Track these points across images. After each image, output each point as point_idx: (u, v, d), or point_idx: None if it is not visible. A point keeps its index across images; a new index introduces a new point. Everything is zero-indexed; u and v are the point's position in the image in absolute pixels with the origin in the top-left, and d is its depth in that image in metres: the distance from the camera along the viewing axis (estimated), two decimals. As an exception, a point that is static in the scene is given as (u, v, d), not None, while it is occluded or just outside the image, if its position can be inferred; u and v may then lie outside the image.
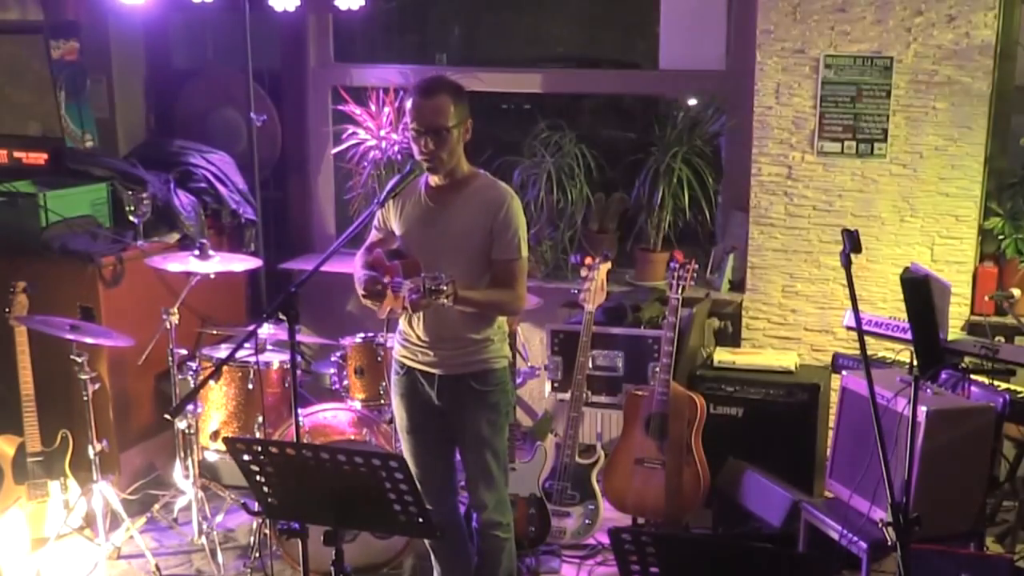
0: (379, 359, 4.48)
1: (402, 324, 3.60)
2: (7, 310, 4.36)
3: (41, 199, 4.73)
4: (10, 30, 5.26)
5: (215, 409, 4.50)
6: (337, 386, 4.59)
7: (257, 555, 4.27)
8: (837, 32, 4.74)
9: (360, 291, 3.49)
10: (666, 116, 5.25)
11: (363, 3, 5.21)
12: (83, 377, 4.32)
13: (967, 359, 3.84)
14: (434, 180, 3.50)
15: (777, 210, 4.96)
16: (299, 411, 3.12)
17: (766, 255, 5.02)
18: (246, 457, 2.78)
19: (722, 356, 4.65)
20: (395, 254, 3.59)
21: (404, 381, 3.62)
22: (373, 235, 3.69)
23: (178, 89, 5.90)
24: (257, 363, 4.36)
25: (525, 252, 3.50)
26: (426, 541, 3.75)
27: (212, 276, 4.49)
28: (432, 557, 3.78)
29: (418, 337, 3.54)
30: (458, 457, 3.69)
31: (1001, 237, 4.76)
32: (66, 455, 4.46)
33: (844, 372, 4.01)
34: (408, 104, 3.40)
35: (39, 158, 5.15)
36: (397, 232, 3.58)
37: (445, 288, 3.15)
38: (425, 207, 3.50)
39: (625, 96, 6.03)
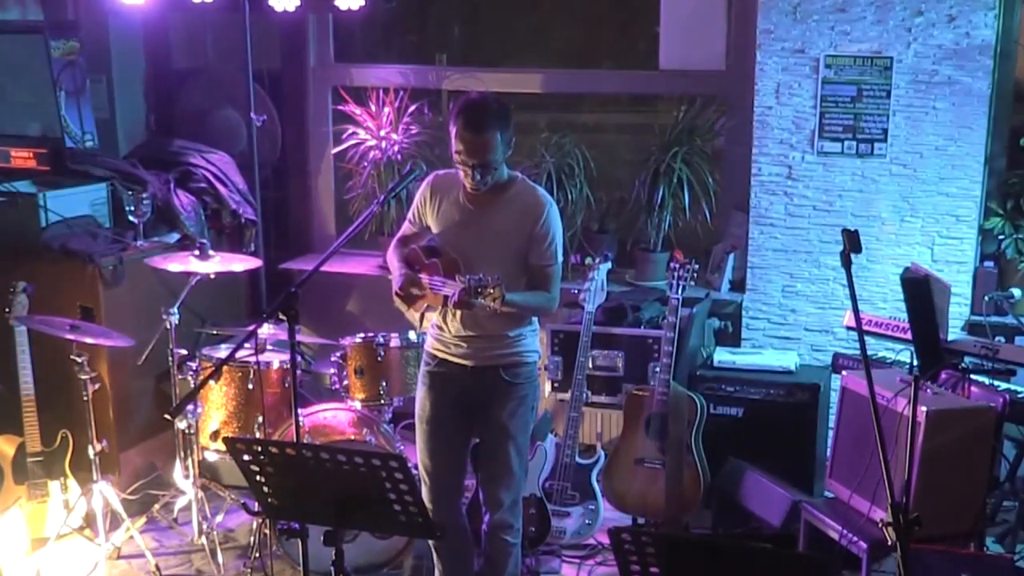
0: (379, 359, 4.48)
1: (436, 318, 3.62)
2: (7, 310, 4.36)
3: (41, 199, 4.73)
4: (10, 30, 5.25)
5: (215, 409, 4.50)
6: (337, 386, 4.59)
7: (257, 555, 4.27)
8: (837, 32, 4.74)
9: (396, 288, 3.52)
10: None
11: (363, 3, 5.21)
12: (83, 377, 4.32)
13: (967, 359, 3.84)
14: None
15: (777, 210, 4.96)
16: (299, 411, 3.12)
17: (766, 255, 5.02)
18: (246, 457, 2.78)
19: (722, 356, 4.65)
20: (431, 251, 3.61)
21: (434, 372, 3.65)
22: (406, 227, 3.72)
23: (178, 89, 5.90)
24: (257, 363, 4.35)
25: (561, 257, 3.57)
26: (431, 544, 3.75)
27: (212, 276, 4.49)
28: (434, 556, 3.79)
29: (451, 333, 3.56)
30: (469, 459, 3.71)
31: (1001, 237, 4.77)
32: (66, 455, 4.46)
33: (844, 372, 4.01)
34: (454, 129, 3.37)
35: (39, 158, 5.14)
36: (434, 230, 3.60)
37: (492, 290, 3.18)
38: (464, 209, 3.52)
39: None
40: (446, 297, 3.42)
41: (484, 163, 3.36)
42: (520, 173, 3.61)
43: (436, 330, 3.64)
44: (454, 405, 3.63)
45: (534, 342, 3.65)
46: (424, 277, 3.54)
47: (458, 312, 3.50)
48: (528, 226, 3.47)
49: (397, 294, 3.53)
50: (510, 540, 3.66)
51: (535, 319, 3.65)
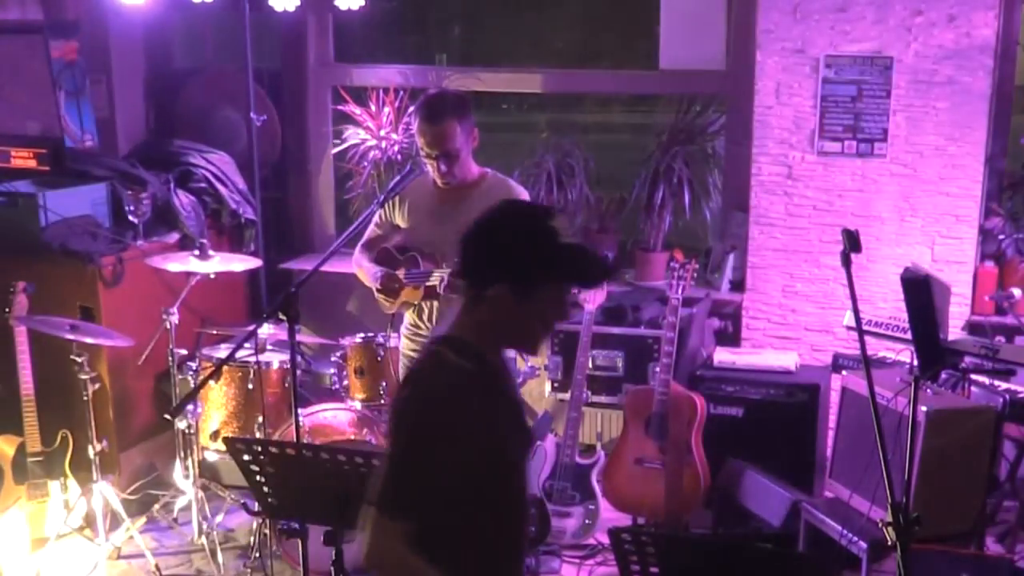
0: (379, 359, 4.48)
1: (410, 317, 3.63)
2: (7, 310, 4.36)
3: (41, 199, 4.73)
4: (10, 30, 5.25)
5: (215, 409, 4.50)
6: (337, 386, 4.59)
7: (257, 555, 4.27)
8: (837, 32, 4.74)
9: (376, 285, 3.53)
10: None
11: (363, 3, 5.21)
12: (83, 377, 4.32)
13: (967, 359, 3.84)
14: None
15: (777, 210, 4.96)
16: (299, 411, 3.13)
17: (766, 255, 5.02)
18: (246, 457, 2.78)
19: (722, 356, 4.65)
20: (403, 250, 3.63)
21: None
22: (371, 231, 3.72)
23: (178, 89, 5.89)
24: (257, 363, 4.35)
25: None
26: None
27: (212, 276, 4.49)
28: None
29: (429, 329, 3.57)
30: None
31: (1001, 237, 4.76)
32: (66, 455, 4.46)
33: (844, 372, 4.01)
34: (415, 126, 3.48)
35: (38, 158, 5.14)
36: (404, 227, 3.62)
37: None
38: (436, 206, 3.55)
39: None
40: (427, 288, 3.44)
41: (445, 152, 3.41)
42: (490, 169, 3.63)
43: (411, 330, 3.65)
44: None
45: None
46: (402, 272, 3.56)
47: (436, 308, 3.51)
48: None
49: (378, 290, 3.55)
50: None
51: None
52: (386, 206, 3.65)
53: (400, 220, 3.63)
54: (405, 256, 3.60)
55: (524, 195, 3.58)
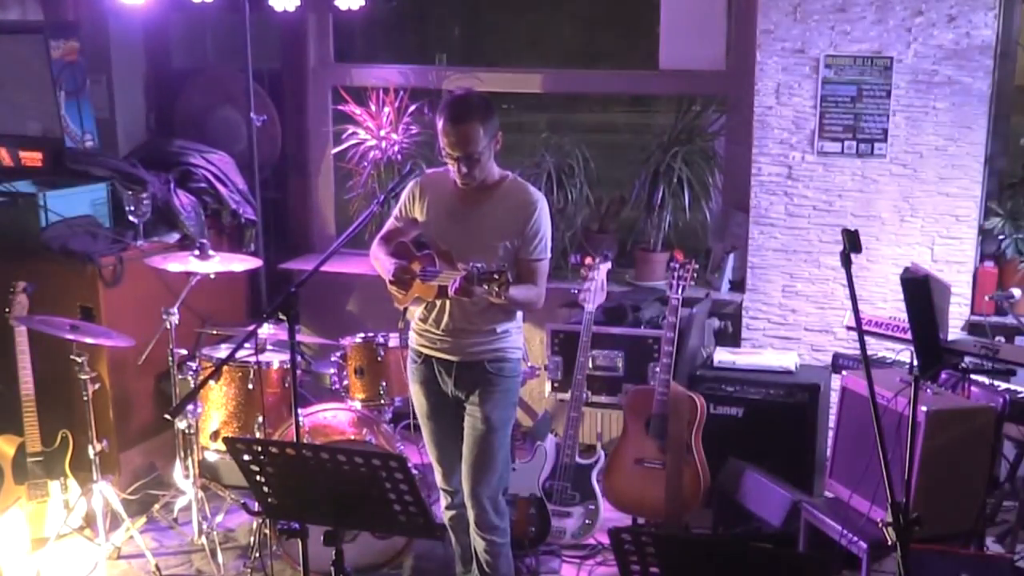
0: (379, 359, 4.48)
1: (421, 313, 3.63)
2: (7, 310, 4.36)
3: (41, 199, 4.73)
4: (10, 30, 5.25)
5: (215, 409, 4.50)
6: (337, 386, 4.59)
7: (257, 555, 4.27)
8: (837, 32, 4.74)
9: (388, 277, 3.54)
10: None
11: (363, 3, 5.22)
12: (83, 377, 4.32)
13: (967, 359, 3.84)
14: None
15: (777, 210, 4.96)
16: (299, 411, 3.13)
17: (766, 255, 5.02)
18: (246, 457, 2.78)
19: (722, 356, 4.65)
20: (420, 246, 3.63)
21: (421, 369, 3.68)
22: (391, 224, 3.73)
23: (178, 89, 5.90)
24: (257, 363, 4.36)
25: (549, 253, 3.60)
26: (447, 522, 3.79)
27: (212, 276, 4.49)
28: (452, 538, 3.84)
29: (438, 327, 3.57)
30: None
31: (1001, 237, 4.77)
32: (66, 455, 4.46)
33: (844, 372, 4.01)
34: (439, 125, 3.44)
35: (38, 158, 5.14)
36: (421, 220, 3.62)
37: (498, 276, 3.20)
38: (455, 205, 3.55)
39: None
40: (440, 287, 3.44)
41: (468, 154, 3.40)
42: (511, 172, 3.63)
43: (420, 326, 3.65)
44: (445, 398, 3.67)
45: (519, 339, 3.69)
46: (417, 267, 3.56)
47: (447, 307, 3.52)
48: (520, 223, 3.49)
49: (391, 282, 3.55)
50: (498, 540, 3.68)
51: (520, 316, 3.68)
52: (406, 198, 3.65)
53: (419, 214, 3.63)
54: (422, 252, 3.61)
55: (543, 201, 3.55)
